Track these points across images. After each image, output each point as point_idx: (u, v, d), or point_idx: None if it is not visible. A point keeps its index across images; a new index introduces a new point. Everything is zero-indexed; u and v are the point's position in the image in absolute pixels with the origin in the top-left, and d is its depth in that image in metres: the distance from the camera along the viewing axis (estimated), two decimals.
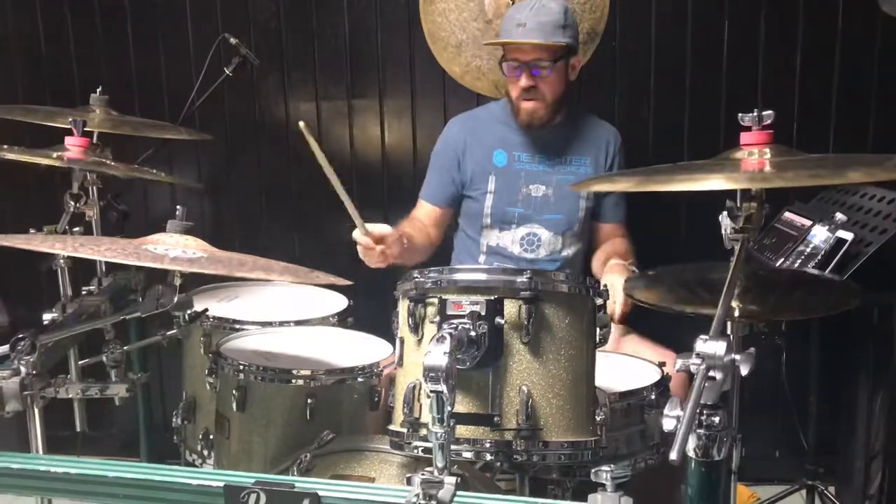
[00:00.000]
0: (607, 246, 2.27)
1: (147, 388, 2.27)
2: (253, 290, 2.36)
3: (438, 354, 1.09)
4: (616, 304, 1.86)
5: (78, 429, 1.77)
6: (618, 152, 2.31)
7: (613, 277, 1.95)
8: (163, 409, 2.79)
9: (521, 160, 2.28)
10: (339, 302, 2.22)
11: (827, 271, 1.98)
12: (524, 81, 2.15)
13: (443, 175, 2.35)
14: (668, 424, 0.96)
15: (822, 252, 1.99)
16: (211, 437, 1.98)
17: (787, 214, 2.25)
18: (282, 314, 2.11)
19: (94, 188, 1.93)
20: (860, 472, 2.31)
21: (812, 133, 2.58)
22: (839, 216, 2.03)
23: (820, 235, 2.03)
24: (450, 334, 1.16)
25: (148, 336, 1.87)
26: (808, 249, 2.04)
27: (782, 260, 2.08)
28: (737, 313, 1.43)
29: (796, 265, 2.03)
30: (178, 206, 1.38)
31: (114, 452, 2.79)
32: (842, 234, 1.98)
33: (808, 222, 2.11)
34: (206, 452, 2.03)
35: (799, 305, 1.70)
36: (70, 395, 1.62)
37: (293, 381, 1.72)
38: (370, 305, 2.12)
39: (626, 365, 1.91)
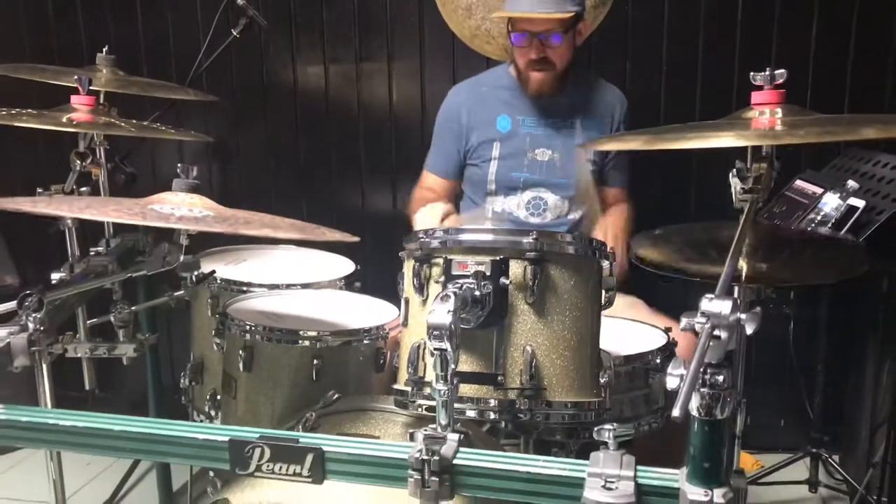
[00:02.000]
0: (609, 211, 2.27)
1: (155, 350, 2.28)
2: (261, 252, 2.36)
3: (442, 312, 1.09)
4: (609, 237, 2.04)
5: (87, 387, 1.78)
6: (624, 116, 2.29)
7: (608, 220, 2.15)
8: (172, 370, 2.81)
9: (526, 124, 2.25)
10: (347, 266, 2.22)
11: None
12: (535, 53, 2.12)
13: (448, 146, 2.33)
14: (671, 383, 0.95)
15: (833, 220, 1.97)
16: (218, 397, 1.99)
17: (799, 182, 2.22)
18: (289, 277, 2.11)
19: (101, 149, 1.93)
20: (865, 440, 2.31)
21: (827, 97, 2.53)
22: (851, 183, 2.00)
23: (831, 203, 2.01)
24: (454, 293, 1.15)
25: (156, 297, 1.87)
26: (819, 217, 2.01)
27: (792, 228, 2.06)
28: (745, 273, 1.41)
29: None
30: (178, 164, 1.35)
31: (123, 413, 2.81)
32: (853, 201, 1.96)
33: (819, 190, 2.08)
34: (213, 413, 2.05)
35: (809, 266, 1.67)
36: (79, 354, 1.63)
37: (300, 342, 1.72)
38: (378, 270, 2.12)
39: (632, 329, 1.91)
